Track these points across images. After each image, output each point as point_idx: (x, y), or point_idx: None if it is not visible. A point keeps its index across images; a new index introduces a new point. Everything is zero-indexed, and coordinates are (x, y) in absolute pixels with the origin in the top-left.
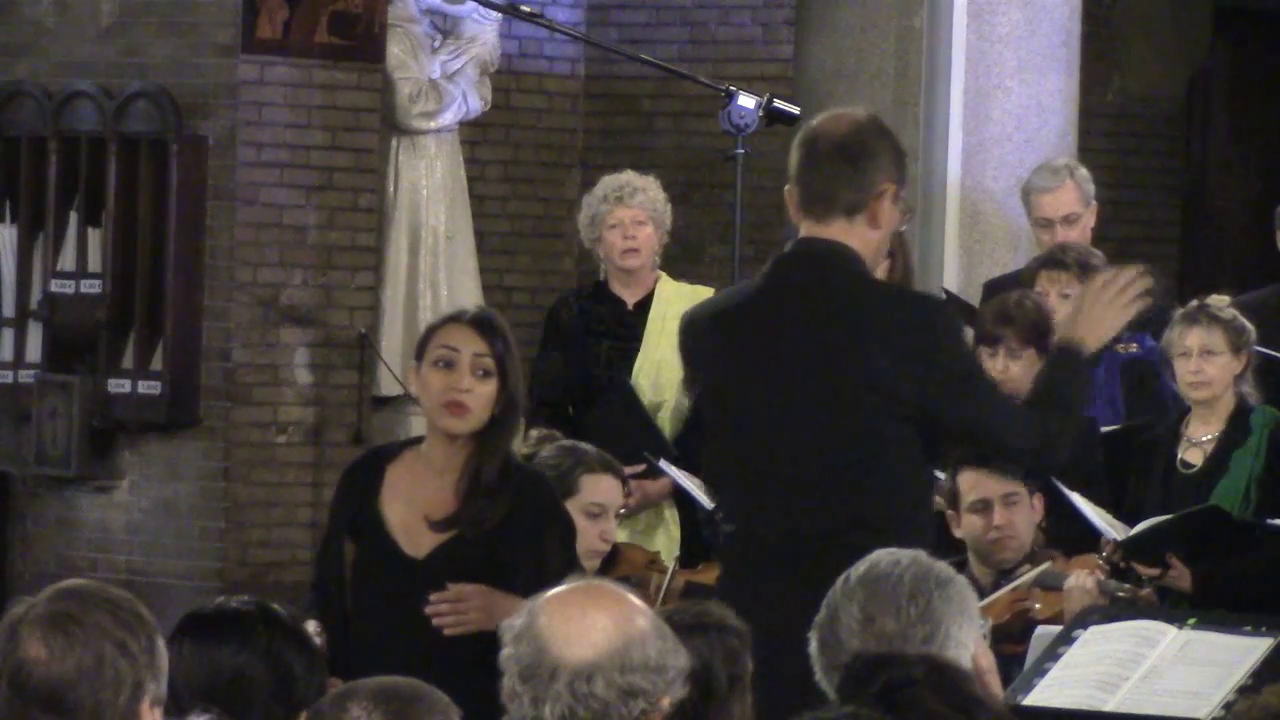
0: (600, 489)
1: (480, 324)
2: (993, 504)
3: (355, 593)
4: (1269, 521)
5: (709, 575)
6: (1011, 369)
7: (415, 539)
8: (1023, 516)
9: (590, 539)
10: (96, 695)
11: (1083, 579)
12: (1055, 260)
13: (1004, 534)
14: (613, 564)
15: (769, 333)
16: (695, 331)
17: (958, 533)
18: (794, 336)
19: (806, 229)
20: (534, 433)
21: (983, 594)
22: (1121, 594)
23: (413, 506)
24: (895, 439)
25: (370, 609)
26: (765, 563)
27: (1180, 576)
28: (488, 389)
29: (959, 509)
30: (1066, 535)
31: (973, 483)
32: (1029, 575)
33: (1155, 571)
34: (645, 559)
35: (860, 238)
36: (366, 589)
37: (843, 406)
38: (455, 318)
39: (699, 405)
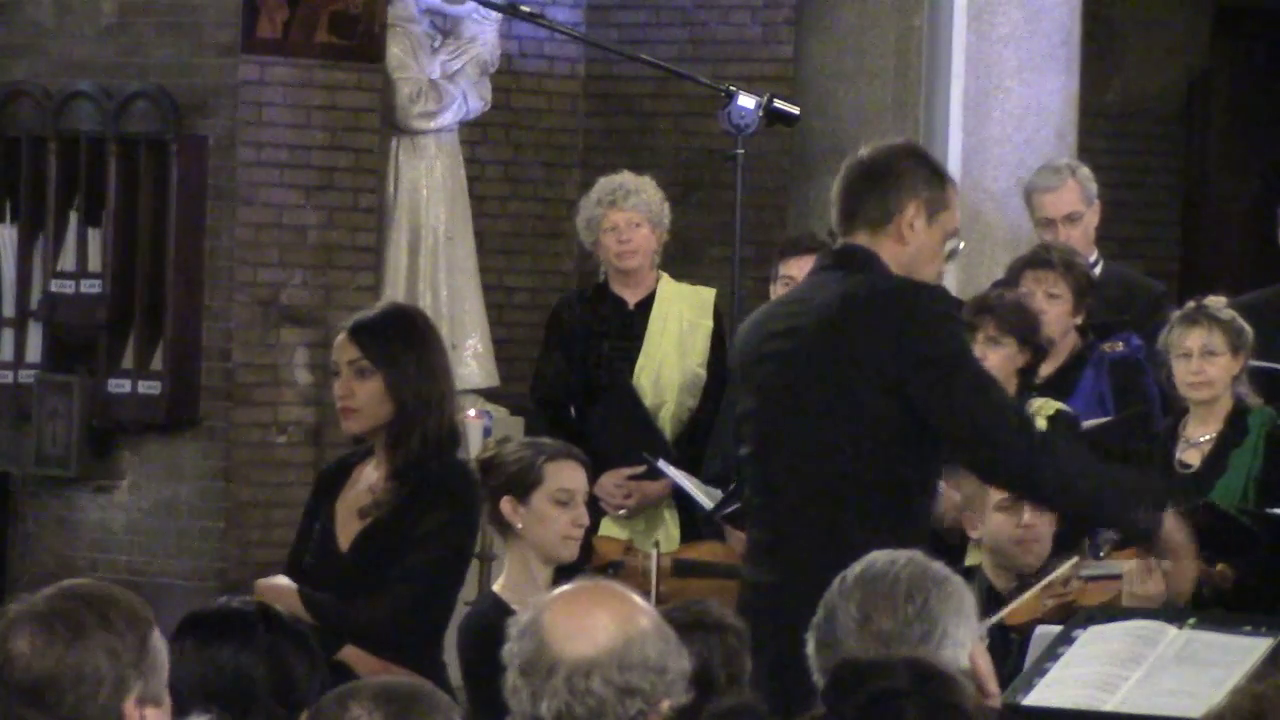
0: (564, 475)
1: (354, 331)
2: (1021, 504)
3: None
4: (1270, 510)
5: (696, 551)
6: (990, 357)
7: (348, 531)
8: (1047, 521)
9: (562, 525)
10: (76, 691)
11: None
12: (1040, 259)
13: (1029, 535)
14: (586, 560)
15: (792, 318)
16: (743, 329)
17: (974, 534)
18: (809, 320)
19: (840, 240)
20: (491, 440)
21: (1002, 602)
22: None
23: (347, 502)
24: (882, 414)
25: None
26: (772, 537)
27: (1223, 578)
28: (369, 387)
29: (984, 510)
30: (1060, 533)
31: None
32: (1064, 568)
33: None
34: (620, 548)
35: (887, 250)
36: (314, 584)
37: (833, 382)
38: (343, 327)
39: (735, 397)
